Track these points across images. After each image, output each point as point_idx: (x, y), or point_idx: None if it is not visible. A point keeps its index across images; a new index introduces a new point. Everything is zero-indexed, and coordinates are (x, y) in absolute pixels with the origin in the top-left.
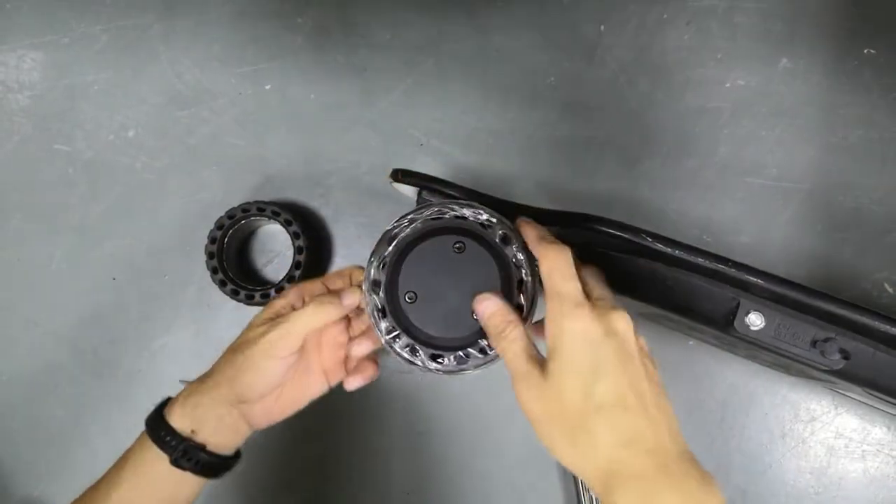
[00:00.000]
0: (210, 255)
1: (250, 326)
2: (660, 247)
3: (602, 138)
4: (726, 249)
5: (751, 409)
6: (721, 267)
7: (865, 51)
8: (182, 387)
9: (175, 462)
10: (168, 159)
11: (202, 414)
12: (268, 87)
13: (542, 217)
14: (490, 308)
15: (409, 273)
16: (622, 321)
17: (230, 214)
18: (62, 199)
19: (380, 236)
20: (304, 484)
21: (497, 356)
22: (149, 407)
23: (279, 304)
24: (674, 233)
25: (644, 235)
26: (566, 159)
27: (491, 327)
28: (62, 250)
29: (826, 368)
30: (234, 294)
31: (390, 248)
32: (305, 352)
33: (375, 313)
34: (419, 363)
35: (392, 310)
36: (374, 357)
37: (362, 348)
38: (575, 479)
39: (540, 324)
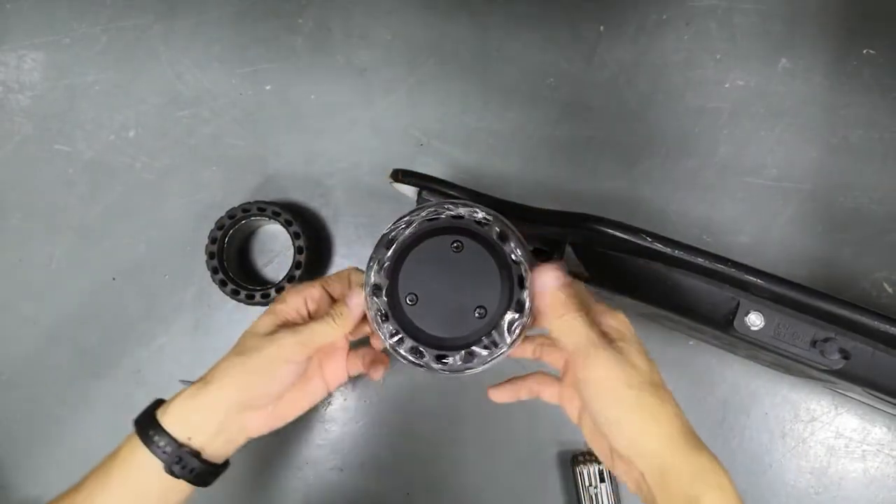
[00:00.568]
0: (210, 255)
1: (254, 331)
2: (659, 247)
3: (602, 138)
4: (726, 249)
5: (751, 409)
6: (721, 267)
7: (865, 51)
8: (182, 387)
9: (169, 469)
10: (168, 159)
11: (201, 420)
12: (268, 87)
13: (543, 217)
14: (560, 279)
15: (409, 275)
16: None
17: (230, 214)
18: (62, 199)
19: (377, 240)
20: (304, 484)
21: (502, 352)
22: None
23: (285, 310)
24: (674, 233)
25: (644, 235)
26: (566, 159)
27: (562, 297)
28: (62, 250)
29: (826, 368)
30: (234, 294)
31: (389, 252)
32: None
33: (378, 317)
34: (425, 365)
35: (394, 313)
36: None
37: (379, 342)
38: (575, 479)
39: (532, 338)
